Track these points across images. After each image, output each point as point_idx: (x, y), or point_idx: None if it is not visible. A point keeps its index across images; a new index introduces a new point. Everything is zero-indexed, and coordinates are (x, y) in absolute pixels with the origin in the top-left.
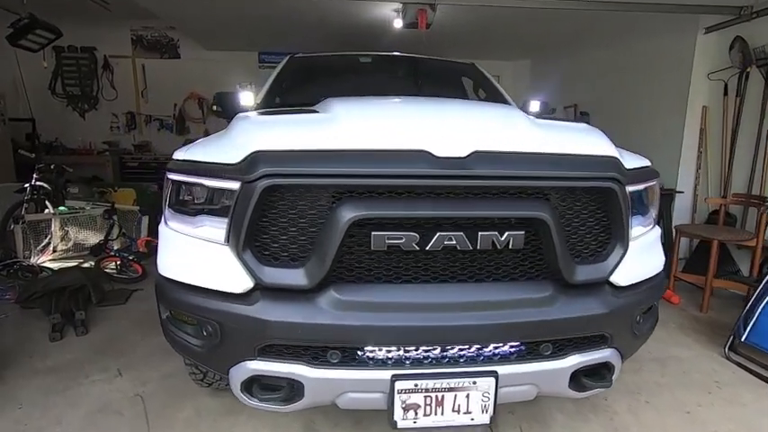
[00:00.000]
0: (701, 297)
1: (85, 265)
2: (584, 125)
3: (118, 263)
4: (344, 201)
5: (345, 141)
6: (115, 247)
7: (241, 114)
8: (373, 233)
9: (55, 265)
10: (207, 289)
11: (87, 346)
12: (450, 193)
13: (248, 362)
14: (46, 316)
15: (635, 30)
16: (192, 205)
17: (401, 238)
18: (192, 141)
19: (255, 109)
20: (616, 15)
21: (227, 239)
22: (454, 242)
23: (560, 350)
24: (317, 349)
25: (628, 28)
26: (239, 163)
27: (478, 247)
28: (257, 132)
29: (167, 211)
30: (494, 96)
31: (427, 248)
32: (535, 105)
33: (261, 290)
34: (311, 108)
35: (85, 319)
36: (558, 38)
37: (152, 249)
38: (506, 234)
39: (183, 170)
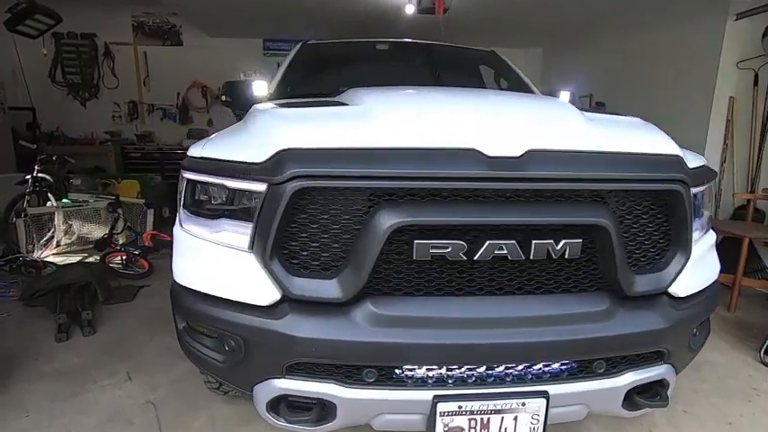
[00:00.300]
0: (727, 296)
1: (90, 260)
2: (638, 120)
3: (124, 258)
4: (384, 205)
5: (384, 138)
6: (120, 242)
7: (259, 106)
8: (416, 241)
9: (58, 260)
10: (229, 300)
11: (95, 348)
12: (500, 197)
13: (275, 380)
14: (50, 314)
15: (658, 16)
16: (210, 207)
17: (447, 247)
18: (196, 131)
19: (269, 99)
20: (639, 0)
21: (252, 246)
22: (505, 251)
23: (614, 367)
24: (350, 367)
25: (650, 14)
26: (265, 162)
27: (531, 257)
28: (283, 128)
29: (182, 213)
30: (518, 86)
31: (475, 258)
32: (565, 96)
33: (289, 302)
34: (336, 100)
35: (92, 318)
36: (572, 25)
37: (158, 244)
38: (563, 242)
39: (200, 169)
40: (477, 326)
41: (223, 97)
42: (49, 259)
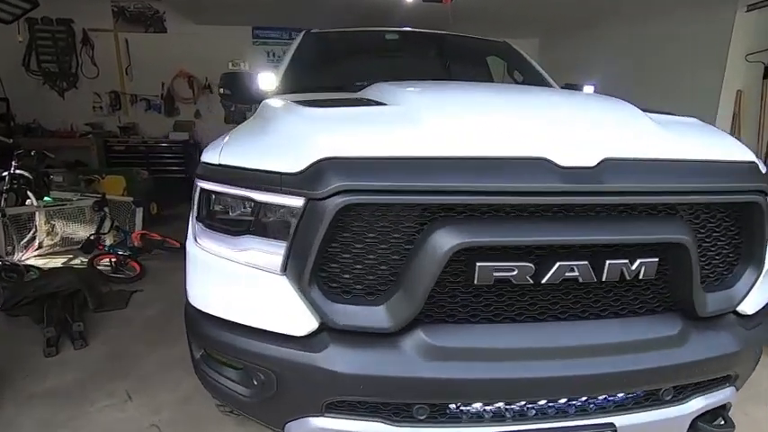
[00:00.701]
0: None
1: (76, 263)
2: (696, 120)
3: (113, 260)
4: (442, 223)
5: (440, 146)
6: (108, 243)
7: (273, 102)
8: (478, 264)
9: (41, 263)
10: (257, 329)
11: (89, 363)
12: (570, 212)
13: (312, 418)
14: (36, 325)
15: (663, 7)
16: (233, 222)
17: (512, 270)
18: (182, 123)
19: (278, 93)
20: None
21: (285, 268)
22: (576, 273)
23: (681, 393)
24: (400, 403)
25: (656, 5)
26: (302, 173)
27: (604, 279)
28: (322, 132)
29: (197, 227)
30: (535, 80)
31: (543, 282)
32: (589, 91)
33: (328, 331)
34: (368, 98)
35: (83, 330)
36: (572, 15)
37: (148, 244)
38: (638, 262)
39: (220, 178)
40: (543, 357)
41: (221, 90)
42: (31, 262)
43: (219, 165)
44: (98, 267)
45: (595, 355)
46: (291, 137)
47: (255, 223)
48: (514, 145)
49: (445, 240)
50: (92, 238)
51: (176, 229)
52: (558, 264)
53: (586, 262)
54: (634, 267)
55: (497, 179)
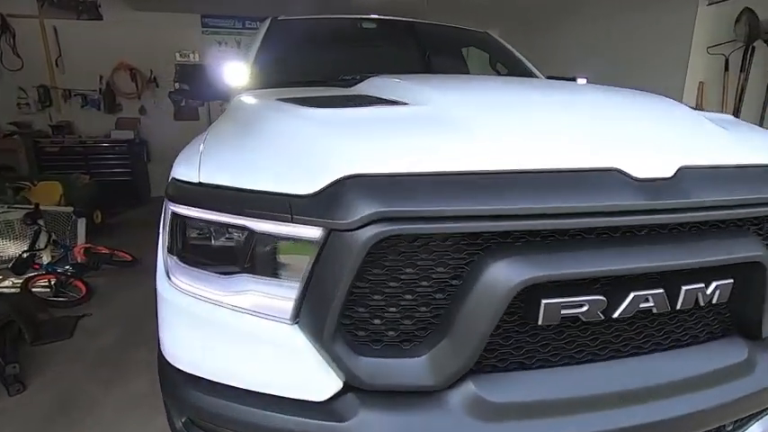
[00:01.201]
0: None
1: (6, 285)
2: (731, 117)
3: (52, 281)
4: (499, 252)
5: (491, 157)
6: (45, 261)
7: (269, 102)
8: (544, 301)
9: None
10: (261, 394)
11: (30, 412)
12: (641, 232)
13: None
14: None
15: (629, 2)
16: (222, 257)
17: (582, 306)
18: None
19: (249, 88)
20: None
21: (297, 316)
22: (651, 304)
23: (739, 421)
24: None
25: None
26: (319, 195)
27: (678, 307)
28: (342, 139)
29: (170, 261)
30: (520, 72)
31: (614, 316)
32: (582, 83)
33: (355, 392)
34: (383, 98)
35: (19, 372)
36: (534, 7)
37: (94, 259)
38: (713, 285)
39: (202, 202)
40: (612, 404)
41: (176, 84)
42: None
43: (200, 184)
44: (34, 291)
45: (671, 394)
46: (296, 146)
47: (254, 259)
48: (580, 154)
49: (508, 274)
50: (24, 256)
51: (126, 239)
52: (632, 294)
53: (662, 290)
54: (709, 291)
55: (571, 197)
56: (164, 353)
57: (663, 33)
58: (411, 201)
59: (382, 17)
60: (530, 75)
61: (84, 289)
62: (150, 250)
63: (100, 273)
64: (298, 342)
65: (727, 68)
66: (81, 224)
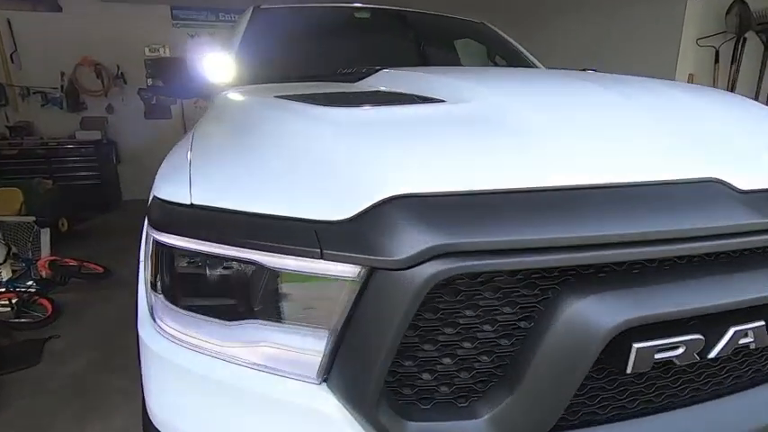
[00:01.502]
0: None
1: None
2: None
3: (13, 301)
4: (581, 288)
5: (565, 169)
6: (4, 277)
7: (269, 101)
8: (636, 345)
9: None
10: None
11: None
12: (746, 254)
13: None
14: None
15: None
16: (224, 298)
17: (678, 348)
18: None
19: (234, 85)
20: None
21: (327, 373)
22: (750, 339)
23: None
24: None
25: None
26: (356, 221)
27: None
28: (382, 148)
29: (156, 300)
30: (520, 64)
31: (711, 356)
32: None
33: None
34: (406, 93)
35: None
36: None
37: (60, 272)
38: None
39: (196, 231)
40: None
41: (149, 81)
42: None
43: (192, 206)
44: None
45: None
46: (317, 156)
47: (267, 301)
48: (670, 162)
49: (600, 314)
50: None
51: (96, 248)
52: (732, 330)
53: (762, 323)
54: None
55: (670, 217)
56: (150, 415)
57: (653, 25)
58: (483, 229)
59: (375, 6)
60: (530, 66)
61: (49, 307)
62: (123, 260)
63: (68, 288)
64: (327, 407)
65: (717, 60)
66: (44, 234)
